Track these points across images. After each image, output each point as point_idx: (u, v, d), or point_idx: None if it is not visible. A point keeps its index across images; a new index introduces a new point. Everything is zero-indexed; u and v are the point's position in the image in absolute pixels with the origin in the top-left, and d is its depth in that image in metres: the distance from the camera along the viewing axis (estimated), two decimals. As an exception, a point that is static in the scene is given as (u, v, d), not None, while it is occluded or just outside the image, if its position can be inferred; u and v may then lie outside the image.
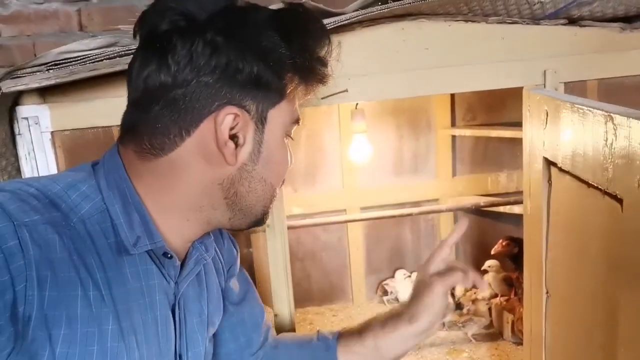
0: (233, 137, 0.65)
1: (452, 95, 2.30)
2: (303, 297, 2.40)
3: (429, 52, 1.17)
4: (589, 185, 0.91)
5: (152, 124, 0.64)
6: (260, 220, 0.74)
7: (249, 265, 1.90)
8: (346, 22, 1.06)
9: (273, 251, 1.20)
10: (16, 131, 1.08)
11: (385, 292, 2.37)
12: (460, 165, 2.38)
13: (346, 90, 1.15)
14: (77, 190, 0.63)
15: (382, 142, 2.31)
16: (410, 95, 1.20)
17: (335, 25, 1.06)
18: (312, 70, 0.68)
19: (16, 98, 1.07)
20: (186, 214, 0.68)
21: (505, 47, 1.19)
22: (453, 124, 2.33)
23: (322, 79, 0.71)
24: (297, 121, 0.72)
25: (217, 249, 0.87)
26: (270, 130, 0.68)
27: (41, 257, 0.55)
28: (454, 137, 2.34)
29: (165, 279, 0.69)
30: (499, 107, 2.27)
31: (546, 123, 1.07)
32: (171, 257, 0.68)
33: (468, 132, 2.27)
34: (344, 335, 0.93)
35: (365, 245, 2.43)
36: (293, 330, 1.27)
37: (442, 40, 1.17)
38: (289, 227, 2.17)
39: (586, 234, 0.97)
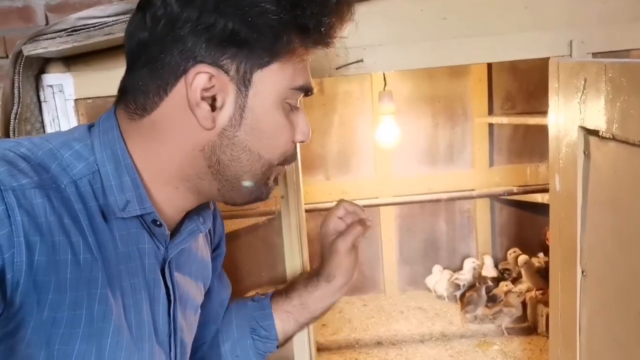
0: (212, 100, 0.61)
1: (490, 83, 2.24)
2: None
3: (447, 21, 1.14)
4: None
5: (136, 82, 0.63)
6: (255, 196, 0.69)
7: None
8: (359, -12, 1.05)
9: (287, 223, 1.20)
10: (42, 98, 1.12)
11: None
12: (498, 155, 2.32)
13: (361, 60, 1.14)
14: (70, 149, 0.62)
15: (416, 129, 2.28)
16: (427, 66, 1.17)
17: (348, -7, 1.05)
18: (306, 29, 0.62)
19: (42, 66, 1.12)
20: (174, 181, 0.66)
21: (528, 16, 1.14)
22: (490, 112, 2.27)
23: (321, 40, 0.64)
24: (302, 88, 0.66)
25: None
26: (257, 94, 0.63)
27: (29, 222, 0.53)
28: (491, 125, 2.28)
29: (155, 244, 0.68)
30: (539, 94, 2.19)
31: (583, 90, 1.02)
32: (160, 225, 0.66)
33: (506, 121, 2.20)
34: (274, 298, 0.97)
35: (398, 236, 2.39)
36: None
37: (461, 10, 1.14)
38: (317, 210, 2.19)
39: (637, 202, 0.91)
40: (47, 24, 2.10)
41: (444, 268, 2.35)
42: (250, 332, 0.95)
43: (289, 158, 0.70)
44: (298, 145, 0.73)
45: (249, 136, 0.64)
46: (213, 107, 0.62)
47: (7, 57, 2.10)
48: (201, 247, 0.83)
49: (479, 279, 2.12)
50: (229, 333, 0.95)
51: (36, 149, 0.60)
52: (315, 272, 0.96)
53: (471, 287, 2.11)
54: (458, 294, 2.23)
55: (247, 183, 0.67)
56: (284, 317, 0.95)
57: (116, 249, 0.63)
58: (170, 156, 0.65)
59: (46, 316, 0.55)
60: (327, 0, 0.61)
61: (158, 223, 0.66)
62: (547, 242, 1.92)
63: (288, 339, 0.97)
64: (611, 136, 0.96)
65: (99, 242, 0.61)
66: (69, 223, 0.57)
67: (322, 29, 0.62)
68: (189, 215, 0.74)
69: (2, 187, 0.53)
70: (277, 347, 0.96)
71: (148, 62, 0.62)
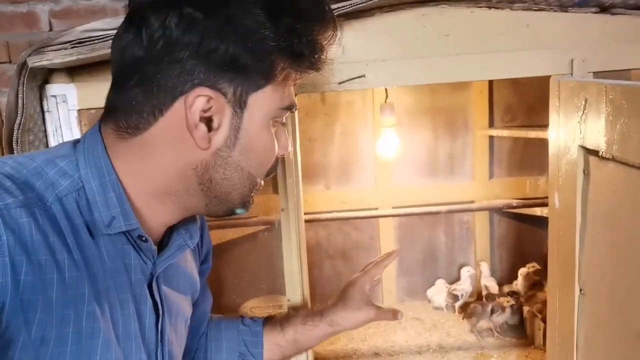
0: (207, 121, 0.62)
1: (490, 96, 2.25)
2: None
3: (449, 38, 1.15)
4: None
5: (128, 101, 0.62)
6: (238, 208, 0.71)
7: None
8: (362, 6, 1.06)
9: (287, 235, 1.21)
10: (45, 108, 1.13)
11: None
12: (498, 167, 2.32)
13: (363, 76, 1.15)
14: (55, 167, 0.62)
15: (417, 141, 2.28)
16: (429, 82, 1.18)
17: (352, 9, 1.06)
18: (301, 55, 0.64)
19: (46, 76, 1.13)
20: (162, 197, 0.67)
21: (530, 34, 1.15)
22: (491, 125, 2.28)
23: (313, 65, 0.66)
24: (289, 107, 0.68)
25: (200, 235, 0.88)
26: (250, 116, 0.64)
27: (15, 242, 0.53)
28: (491, 138, 2.29)
29: (142, 259, 0.68)
30: (540, 108, 2.20)
31: (584, 110, 1.03)
32: (146, 240, 0.67)
33: (506, 133, 2.21)
34: (267, 326, 0.98)
35: (397, 246, 2.39)
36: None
37: (463, 27, 1.15)
38: (316, 220, 2.19)
39: (636, 222, 0.91)
40: (51, 29, 2.11)
41: (444, 279, 2.36)
42: (239, 356, 0.96)
43: (271, 171, 0.73)
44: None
45: (242, 156, 0.66)
46: (209, 128, 0.63)
47: (10, 62, 2.10)
48: (188, 261, 0.83)
49: (487, 295, 2.11)
50: (218, 354, 0.95)
51: (21, 167, 0.60)
52: (318, 312, 0.99)
53: (475, 299, 2.12)
54: (457, 305, 2.23)
55: (234, 199, 0.69)
56: (273, 348, 0.97)
57: (103, 265, 0.63)
58: (161, 173, 0.65)
59: (34, 335, 0.55)
60: (322, 29, 0.64)
61: (144, 238, 0.67)
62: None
63: None
64: (611, 157, 0.96)
65: (85, 259, 0.60)
66: (55, 241, 0.57)
67: (316, 55, 0.65)
68: (176, 230, 0.74)
69: None
70: None
71: (142, 82, 0.61)
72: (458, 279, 2.31)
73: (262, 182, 0.72)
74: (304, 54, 0.64)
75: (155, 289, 0.71)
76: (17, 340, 0.54)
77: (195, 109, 0.61)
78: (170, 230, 0.74)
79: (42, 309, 0.55)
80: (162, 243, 0.74)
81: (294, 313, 1.03)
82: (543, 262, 2.04)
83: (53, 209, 0.59)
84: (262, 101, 0.65)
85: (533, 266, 2.09)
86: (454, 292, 2.22)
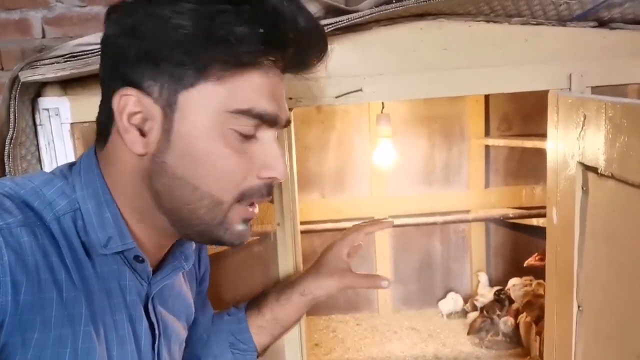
0: (140, 123, 0.59)
1: (487, 105, 2.25)
2: (328, 304, 2.38)
3: (447, 52, 1.14)
4: (640, 187, 0.86)
5: (99, 112, 0.65)
6: (212, 237, 0.65)
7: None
8: (359, 20, 1.05)
9: (282, 250, 1.19)
10: (37, 122, 1.11)
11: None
12: (494, 176, 2.32)
13: (360, 90, 1.14)
14: (52, 187, 0.62)
15: (413, 150, 2.28)
16: (427, 96, 1.17)
17: (349, 23, 1.05)
18: (228, 43, 0.55)
19: (38, 90, 1.11)
20: (139, 215, 0.65)
21: (528, 49, 1.15)
22: (487, 134, 2.28)
23: (246, 57, 0.57)
24: (246, 113, 0.59)
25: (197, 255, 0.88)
26: (184, 118, 0.58)
27: (16, 262, 0.53)
28: (487, 147, 2.29)
29: (138, 280, 0.68)
30: (536, 117, 2.20)
31: (582, 126, 1.02)
32: (143, 260, 0.66)
33: (502, 143, 2.21)
34: (247, 311, 0.96)
35: (393, 255, 2.39)
36: (300, 329, 1.25)
37: (461, 41, 1.14)
38: (311, 231, 2.18)
39: (635, 241, 0.91)
40: (44, 36, 2.09)
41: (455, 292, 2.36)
42: (230, 347, 0.95)
43: (254, 195, 0.63)
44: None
45: (180, 163, 0.60)
46: (143, 132, 0.60)
47: (2, 69, 2.08)
48: (182, 284, 0.82)
49: (487, 306, 2.11)
50: (209, 349, 0.94)
51: (18, 187, 0.60)
52: (289, 284, 0.95)
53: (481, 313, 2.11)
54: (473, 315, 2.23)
55: (195, 221, 0.63)
56: (257, 331, 0.95)
57: (99, 286, 0.62)
58: (122, 187, 0.64)
59: (31, 355, 0.55)
60: (239, 8, 0.56)
61: (140, 259, 0.66)
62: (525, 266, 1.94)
63: (266, 349, 0.97)
64: (610, 175, 0.95)
65: (83, 279, 0.60)
66: (54, 260, 0.57)
67: (244, 44, 0.56)
68: (171, 251, 0.73)
69: None
70: (257, 357, 0.96)
71: (101, 87, 0.64)
72: (457, 289, 2.31)
73: (250, 210, 0.64)
74: (230, 41, 0.55)
75: (151, 310, 0.71)
76: None
77: (120, 110, 0.59)
78: (166, 252, 0.73)
79: (39, 328, 0.55)
80: (158, 264, 0.73)
81: (270, 290, 0.98)
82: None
83: (52, 228, 0.59)
84: (197, 101, 0.58)
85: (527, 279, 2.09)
86: (475, 301, 2.21)
